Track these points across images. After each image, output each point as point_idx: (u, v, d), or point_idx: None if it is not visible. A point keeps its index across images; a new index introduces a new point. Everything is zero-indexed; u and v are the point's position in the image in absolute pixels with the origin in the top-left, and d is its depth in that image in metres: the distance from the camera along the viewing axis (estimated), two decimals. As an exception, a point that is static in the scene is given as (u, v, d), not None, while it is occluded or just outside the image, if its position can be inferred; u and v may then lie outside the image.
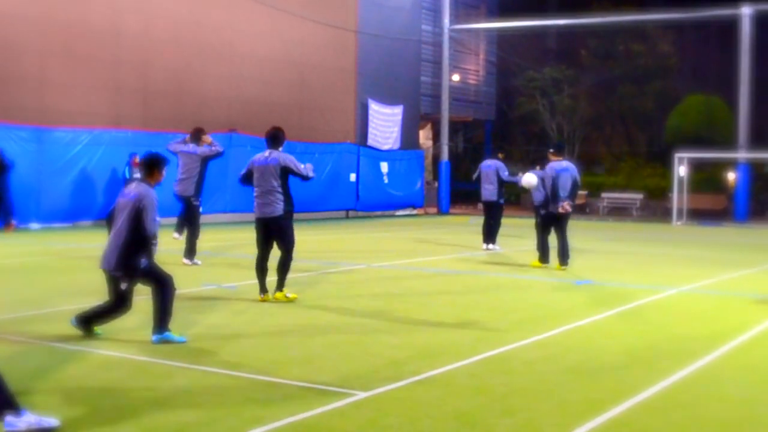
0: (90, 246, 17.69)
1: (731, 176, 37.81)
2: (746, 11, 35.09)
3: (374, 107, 35.31)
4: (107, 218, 9.02)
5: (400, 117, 36.81)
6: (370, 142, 35.10)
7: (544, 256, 16.81)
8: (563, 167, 16.64)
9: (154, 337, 8.70)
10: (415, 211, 37.66)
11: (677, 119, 43.42)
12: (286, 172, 11.59)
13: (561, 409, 6.72)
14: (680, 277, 15.36)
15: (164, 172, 9.17)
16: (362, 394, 6.95)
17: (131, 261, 8.68)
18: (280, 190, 11.55)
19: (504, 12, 44.50)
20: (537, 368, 8.08)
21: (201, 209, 16.21)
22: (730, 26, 36.32)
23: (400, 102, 36.80)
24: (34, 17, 23.98)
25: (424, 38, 40.02)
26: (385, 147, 35.95)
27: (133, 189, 8.87)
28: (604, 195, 39.61)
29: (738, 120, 35.65)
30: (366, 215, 34.47)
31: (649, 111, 48.25)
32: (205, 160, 15.81)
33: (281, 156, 11.71)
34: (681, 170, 34.90)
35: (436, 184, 40.35)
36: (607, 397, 7.00)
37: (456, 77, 43.57)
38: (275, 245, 11.73)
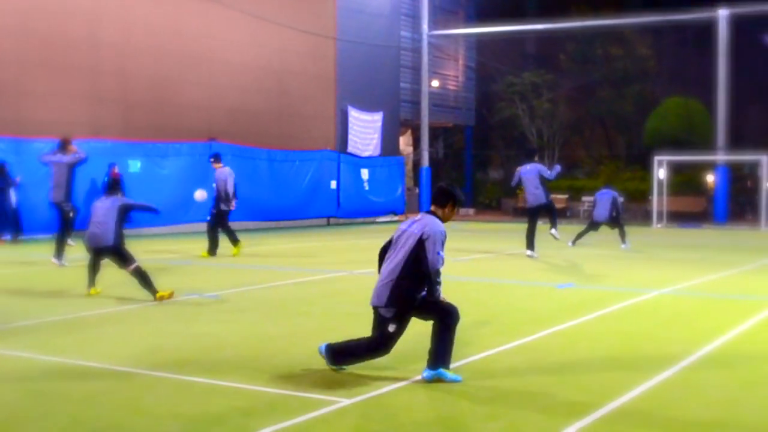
0: (69, 257, 17.60)
1: (710, 178, 38.04)
2: (722, 13, 35.33)
3: (354, 114, 35.32)
4: (381, 251, 8.16)
5: (380, 123, 36.83)
6: (351, 149, 35.10)
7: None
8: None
9: (426, 373, 7.64)
10: (396, 218, 37.64)
11: (656, 122, 43.62)
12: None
13: (544, 413, 6.74)
14: (661, 279, 15.43)
15: (456, 211, 8.21)
16: (346, 401, 6.95)
17: (407, 298, 7.72)
18: None
19: (482, 17, 44.63)
20: (520, 372, 8.10)
21: (72, 213, 17.46)
22: (707, 29, 36.56)
23: (380, 108, 36.83)
24: (11, 27, 23.87)
25: (403, 44, 40.08)
26: (366, 154, 35.96)
27: (419, 219, 7.92)
28: (584, 198, 39.73)
29: (716, 122, 35.87)
30: (347, 222, 34.46)
31: (628, 114, 48.44)
32: (72, 167, 17.23)
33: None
34: (660, 173, 35.08)
35: (417, 191, 40.39)
36: (589, 400, 7.03)
37: (435, 83, 43.66)
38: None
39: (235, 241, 19.70)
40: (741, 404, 7.11)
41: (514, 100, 47.09)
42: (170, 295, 12.41)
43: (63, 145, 17.46)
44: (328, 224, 33.67)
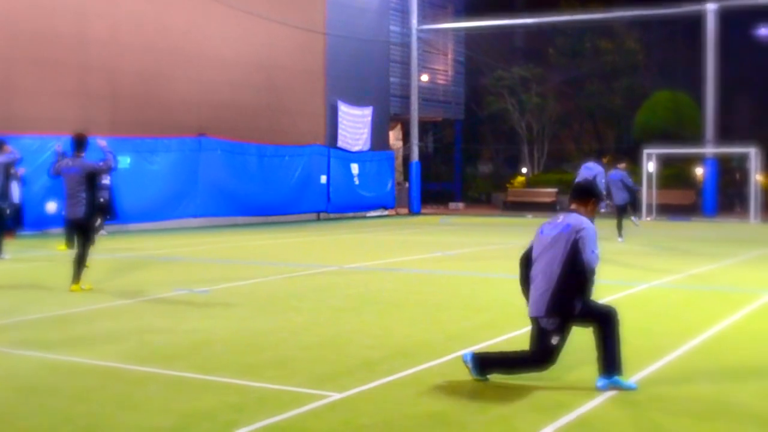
0: (57, 254, 17.57)
1: (699, 171, 38.14)
2: (711, 7, 35.41)
3: (343, 109, 35.30)
4: (524, 258, 7.63)
5: (369, 118, 36.82)
6: (340, 143, 35.08)
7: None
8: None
9: (600, 383, 7.22)
10: (386, 212, 37.69)
11: (645, 115, 43.73)
12: None
13: (533, 406, 6.76)
14: (651, 272, 15.47)
15: (600, 206, 7.89)
16: (336, 396, 6.97)
17: (569, 306, 7.27)
18: None
19: (471, 12, 44.64)
20: (510, 366, 8.11)
21: (8, 210, 17.77)
22: (696, 22, 36.65)
23: (370, 103, 36.81)
24: (-1, 24, 23.81)
25: (392, 39, 40.06)
26: (356, 148, 35.95)
27: (562, 220, 7.47)
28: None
29: (705, 115, 35.98)
30: (337, 217, 34.46)
31: (617, 108, 48.56)
32: (8, 168, 17.32)
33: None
34: (650, 166, 35.17)
35: (407, 185, 40.40)
36: (578, 393, 7.06)
37: (425, 77, 43.66)
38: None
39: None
40: (731, 395, 7.14)
41: (504, 94, 47.15)
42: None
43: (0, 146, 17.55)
44: (318, 219, 33.66)
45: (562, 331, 7.28)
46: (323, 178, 33.72)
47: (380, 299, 12.28)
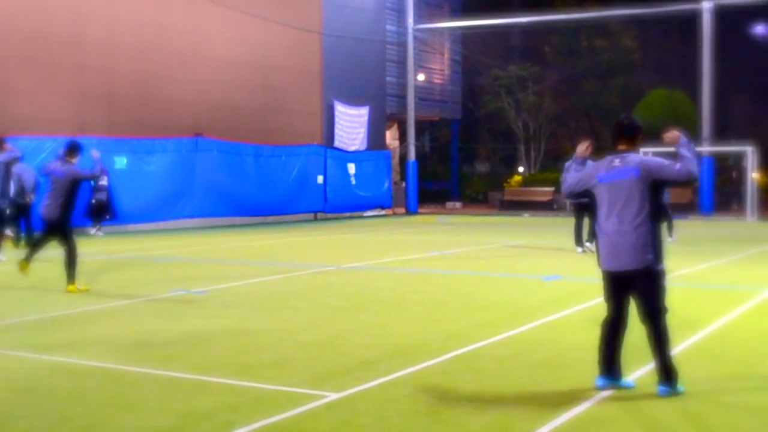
0: (55, 254, 17.53)
1: (696, 169, 38.12)
2: (706, 5, 35.43)
3: (340, 108, 35.29)
4: (580, 201, 7.08)
5: (366, 118, 36.82)
6: (337, 143, 35.08)
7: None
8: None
9: (661, 389, 6.99)
10: (383, 212, 37.68)
11: (641, 114, 43.65)
12: None
13: (532, 405, 6.77)
14: (647, 270, 15.46)
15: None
16: (334, 395, 6.96)
17: (659, 244, 7.03)
18: None
19: (468, 11, 44.64)
20: (507, 365, 8.12)
21: (8, 210, 17.98)
22: (692, 21, 36.66)
23: (366, 103, 36.81)
24: (-5, 25, 23.80)
25: (389, 38, 40.05)
26: (352, 148, 35.95)
27: (621, 163, 7.09)
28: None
29: (701, 114, 35.99)
30: (334, 217, 34.44)
31: (613, 106, 48.50)
32: (8, 167, 17.51)
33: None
34: (646, 165, 35.12)
35: (404, 184, 40.40)
36: (577, 392, 7.06)
37: (421, 77, 43.65)
38: None
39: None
40: (728, 393, 7.15)
41: (500, 93, 47.13)
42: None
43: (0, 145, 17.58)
44: (315, 219, 33.65)
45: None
46: (320, 178, 33.70)
47: (378, 299, 12.28)
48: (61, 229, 13.08)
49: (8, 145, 17.72)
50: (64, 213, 13.00)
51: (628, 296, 7.30)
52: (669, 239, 21.78)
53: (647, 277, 7.06)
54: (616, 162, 7.12)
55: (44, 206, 13.17)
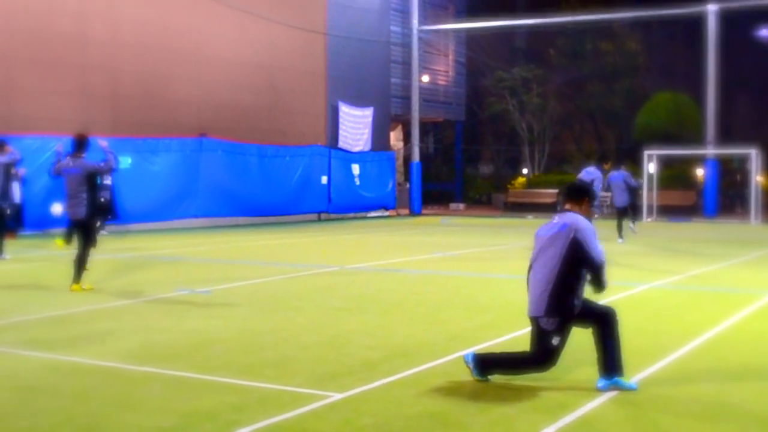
0: (57, 253, 17.55)
1: (700, 172, 38.12)
2: (711, 8, 35.41)
3: (344, 109, 35.30)
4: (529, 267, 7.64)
5: (370, 119, 36.82)
6: (341, 144, 35.09)
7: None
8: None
9: (601, 383, 7.21)
10: (387, 213, 37.68)
11: (646, 117, 43.74)
12: None
13: (534, 406, 6.76)
14: (652, 272, 15.47)
15: (593, 204, 7.75)
16: (337, 396, 6.96)
17: (568, 306, 7.25)
18: None
19: (472, 12, 44.64)
20: (510, 366, 8.10)
21: (8, 211, 17.98)
22: (697, 24, 36.64)
23: (370, 104, 36.82)
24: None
25: (393, 39, 40.06)
26: (356, 149, 35.96)
27: (558, 220, 7.46)
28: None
29: (706, 116, 35.97)
30: (338, 217, 34.45)
31: (617, 109, 48.55)
32: (8, 168, 17.51)
33: None
34: (650, 167, 35.16)
35: (408, 185, 40.39)
36: (579, 393, 7.05)
37: (426, 78, 43.65)
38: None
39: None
40: (731, 396, 7.14)
41: (505, 95, 47.15)
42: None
43: (0, 146, 17.62)
44: (319, 219, 33.66)
45: (562, 331, 7.25)
46: (324, 179, 33.72)
47: (381, 299, 12.28)
48: (86, 225, 13.12)
49: (9, 147, 17.84)
50: (89, 210, 13.02)
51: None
52: (630, 225, 22.98)
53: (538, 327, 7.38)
54: (555, 219, 7.53)
55: (68, 206, 13.20)
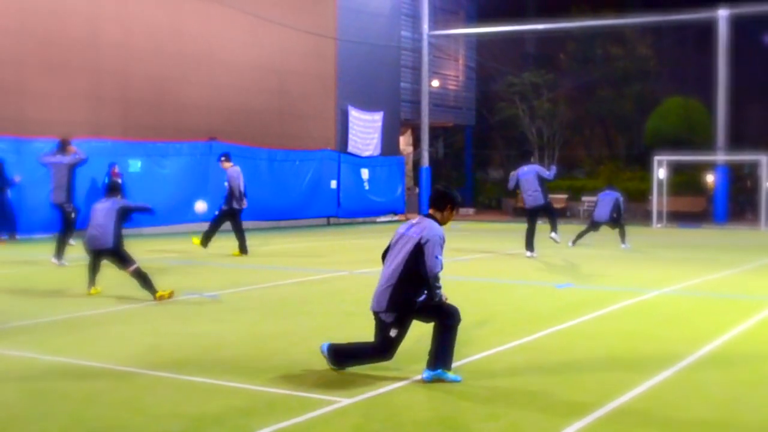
0: (69, 257, 17.59)
1: (710, 178, 38.02)
2: (723, 13, 35.32)
3: (354, 114, 35.31)
4: (384, 254, 8.07)
5: (380, 123, 36.82)
6: (351, 148, 35.09)
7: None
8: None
9: (426, 374, 7.60)
10: (396, 217, 37.63)
11: (656, 122, 43.61)
12: None
13: (544, 413, 6.74)
14: (661, 279, 15.43)
15: (455, 212, 8.05)
16: (346, 401, 6.95)
17: (407, 302, 7.66)
18: None
19: (483, 17, 44.61)
20: (520, 372, 8.10)
21: (74, 214, 17.62)
22: (708, 29, 36.55)
23: (380, 108, 36.82)
24: (11, 27, 23.86)
25: (404, 44, 40.05)
26: (366, 153, 35.95)
27: (417, 222, 7.80)
28: (584, 198, 39.73)
29: (716, 122, 35.87)
30: (347, 222, 34.44)
31: (628, 114, 48.43)
32: (72, 168, 17.46)
33: None
34: (660, 173, 35.06)
35: (417, 190, 40.36)
36: (590, 400, 7.03)
37: (435, 83, 43.64)
38: None
39: (243, 246, 19.88)
40: (742, 403, 7.11)
41: (515, 100, 47.07)
42: (170, 295, 12.42)
43: (62, 146, 17.55)
44: (329, 224, 33.66)
45: (401, 324, 7.68)
46: (333, 183, 33.71)
47: (390, 304, 12.24)
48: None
49: (73, 147, 17.67)
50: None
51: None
52: (622, 246, 21.97)
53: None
54: (416, 219, 7.88)
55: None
